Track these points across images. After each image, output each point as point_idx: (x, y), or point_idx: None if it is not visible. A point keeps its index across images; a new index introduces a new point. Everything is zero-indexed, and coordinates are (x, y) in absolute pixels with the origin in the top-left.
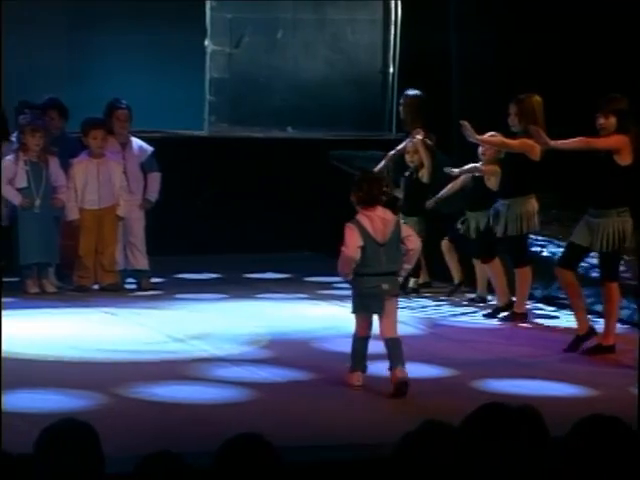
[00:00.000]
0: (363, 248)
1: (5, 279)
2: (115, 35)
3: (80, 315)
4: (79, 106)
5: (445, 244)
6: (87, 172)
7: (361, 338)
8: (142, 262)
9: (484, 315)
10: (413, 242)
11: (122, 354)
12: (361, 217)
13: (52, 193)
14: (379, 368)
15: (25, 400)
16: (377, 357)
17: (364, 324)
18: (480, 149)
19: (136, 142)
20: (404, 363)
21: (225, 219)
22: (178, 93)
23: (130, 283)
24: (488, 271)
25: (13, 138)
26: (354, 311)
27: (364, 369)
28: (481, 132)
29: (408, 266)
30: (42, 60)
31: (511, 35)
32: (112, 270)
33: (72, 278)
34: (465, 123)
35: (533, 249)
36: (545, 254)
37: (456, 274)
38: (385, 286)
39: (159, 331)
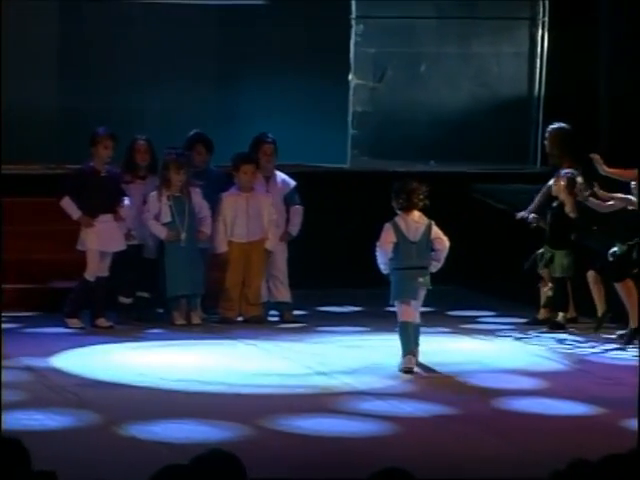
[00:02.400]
0: (397, 245)
1: (153, 310)
2: (260, 70)
3: (225, 347)
4: (225, 140)
5: (591, 275)
6: (236, 206)
7: (406, 322)
8: (285, 295)
9: (618, 335)
10: (441, 243)
11: (266, 386)
12: (398, 219)
13: (197, 225)
14: (523, 404)
15: (172, 430)
16: (517, 393)
17: (406, 310)
18: (632, 183)
19: (280, 175)
20: (418, 345)
21: (367, 252)
22: (321, 127)
23: (273, 316)
24: (619, 291)
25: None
26: (394, 299)
27: (415, 353)
28: (631, 164)
29: (437, 263)
30: (191, 95)
31: None
32: (256, 303)
33: (217, 309)
34: (595, 156)
35: None
36: None
37: (600, 305)
38: (420, 279)
39: (302, 364)
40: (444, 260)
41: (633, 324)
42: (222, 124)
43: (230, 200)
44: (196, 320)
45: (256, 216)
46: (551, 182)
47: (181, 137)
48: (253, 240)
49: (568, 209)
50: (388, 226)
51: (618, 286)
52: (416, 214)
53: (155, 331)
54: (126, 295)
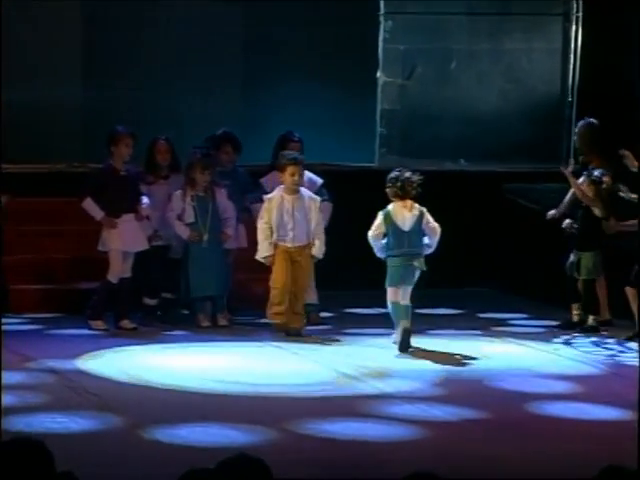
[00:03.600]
0: (389, 233)
1: (178, 312)
2: (287, 68)
3: (251, 349)
4: (251, 139)
5: (629, 291)
6: (282, 209)
7: (395, 302)
8: (312, 296)
9: None
10: (433, 230)
11: (293, 389)
12: (391, 208)
13: (221, 226)
14: (556, 409)
15: (198, 434)
16: (549, 397)
17: (396, 293)
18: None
19: (306, 174)
20: (410, 319)
21: None
22: (349, 125)
23: None
24: None
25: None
26: (389, 284)
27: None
28: None
29: (430, 249)
30: (217, 93)
31: None
32: (300, 313)
33: (266, 315)
34: (626, 152)
35: None
36: None
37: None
38: (415, 262)
39: (328, 366)
40: (436, 245)
41: None
42: (248, 122)
43: (275, 202)
44: (222, 322)
45: (302, 220)
46: (581, 180)
47: (205, 136)
48: (298, 245)
49: (595, 210)
50: (380, 215)
51: None
52: (409, 203)
53: (180, 333)
54: (151, 296)
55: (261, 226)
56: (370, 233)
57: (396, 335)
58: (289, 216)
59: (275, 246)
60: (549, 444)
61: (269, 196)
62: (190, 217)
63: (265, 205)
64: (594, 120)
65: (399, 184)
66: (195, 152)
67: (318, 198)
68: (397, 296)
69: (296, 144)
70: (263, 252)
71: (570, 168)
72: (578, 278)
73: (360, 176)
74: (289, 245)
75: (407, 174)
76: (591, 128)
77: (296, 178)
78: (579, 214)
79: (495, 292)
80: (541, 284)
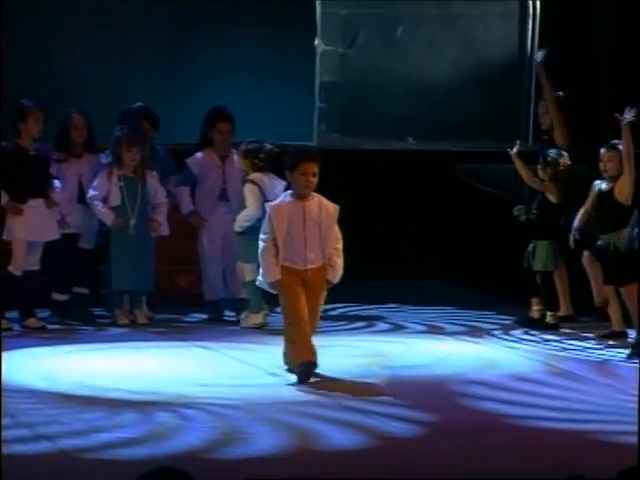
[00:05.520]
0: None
1: (92, 309)
2: (214, 34)
3: (176, 351)
4: (171, 115)
5: (586, 258)
6: (291, 218)
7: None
8: (243, 290)
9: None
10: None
11: (222, 394)
12: (259, 180)
13: (150, 213)
14: (510, 414)
15: (114, 446)
16: (504, 401)
17: (254, 270)
18: (601, 164)
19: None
20: None
21: None
22: (284, 99)
23: (229, 315)
24: (624, 297)
25: (103, 157)
26: (251, 261)
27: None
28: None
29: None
30: (131, 62)
31: None
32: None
33: (287, 359)
34: None
35: None
36: None
37: (598, 295)
38: None
39: (259, 368)
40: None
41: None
42: (168, 96)
43: (283, 211)
44: (142, 319)
45: (316, 234)
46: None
47: (118, 111)
48: (311, 267)
49: (550, 196)
50: (254, 189)
51: (623, 291)
52: (272, 175)
53: (95, 332)
54: (60, 291)
55: (266, 244)
56: (252, 212)
57: (258, 316)
58: (300, 229)
59: (282, 268)
60: (506, 454)
61: (273, 203)
62: (116, 200)
63: (271, 215)
64: (560, 93)
65: (262, 156)
66: (122, 128)
67: (335, 206)
68: (254, 274)
69: (226, 123)
70: (270, 276)
71: (516, 149)
72: (534, 269)
73: None
74: (300, 268)
75: (268, 147)
76: (556, 101)
77: (310, 179)
78: (536, 199)
79: (445, 284)
80: (497, 276)
